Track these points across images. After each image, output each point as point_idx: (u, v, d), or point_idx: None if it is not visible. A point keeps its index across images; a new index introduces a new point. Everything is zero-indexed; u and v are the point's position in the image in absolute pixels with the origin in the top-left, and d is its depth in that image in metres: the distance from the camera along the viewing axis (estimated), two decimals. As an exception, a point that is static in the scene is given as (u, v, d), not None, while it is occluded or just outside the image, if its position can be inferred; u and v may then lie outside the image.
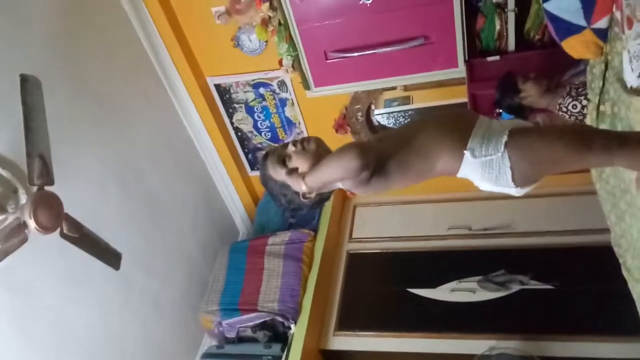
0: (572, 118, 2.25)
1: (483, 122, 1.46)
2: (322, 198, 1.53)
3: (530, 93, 2.37)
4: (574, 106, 2.22)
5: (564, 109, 2.26)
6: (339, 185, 1.46)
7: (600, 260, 2.41)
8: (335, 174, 1.38)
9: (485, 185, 1.48)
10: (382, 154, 1.44)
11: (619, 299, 2.18)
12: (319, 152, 1.46)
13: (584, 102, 2.18)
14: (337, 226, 3.61)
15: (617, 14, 1.78)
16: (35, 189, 1.83)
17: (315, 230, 3.47)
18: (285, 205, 1.54)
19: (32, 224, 1.76)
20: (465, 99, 2.82)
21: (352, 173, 1.35)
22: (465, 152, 1.41)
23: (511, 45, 2.66)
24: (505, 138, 1.38)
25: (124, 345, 2.65)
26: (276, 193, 1.53)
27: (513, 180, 1.40)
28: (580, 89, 2.23)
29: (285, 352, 2.96)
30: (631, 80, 1.70)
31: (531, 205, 3.12)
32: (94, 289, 2.48)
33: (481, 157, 1.39)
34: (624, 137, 1.42)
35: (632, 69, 1.68)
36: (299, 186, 1.42)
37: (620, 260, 2.15)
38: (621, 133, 1.55)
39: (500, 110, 2.50)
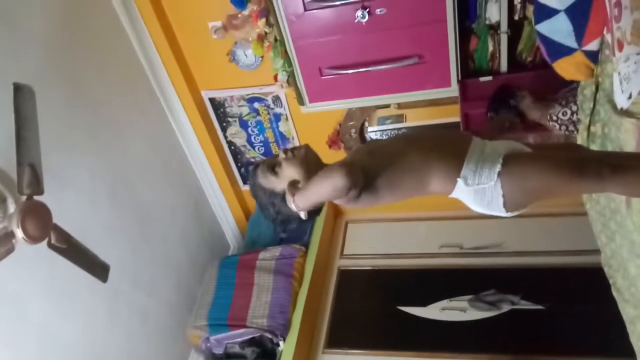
0: (563, 128, 2.27)
1: (476, 146, 1.47)
2: (313, 211, 1.53)
3: (526, 95, 2.41)
4: (564, 113, 2.25)
5: (554, 118, 2.28)
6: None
7: (590, 281, 2.40)
8: (324, 194, 1.39)
9: (477, 208, 1.50)
10: (373, 170, 1.45)
11: (609, 319, 2.18)
12: (307, 158, 1.49)
13: (574, 108, 2.21)
14: (328, 242, 3.59)
15: (608, 37, 1.81)
16: (24, 198, 1.81)
17: (307, 246, 3.45)
18: (274, 215, 1.54)
19: (19, 233, 1.73)
20: (458, 118, 2.85)
21: (340, 193, 1.36)
22: (458, 179, 1.43)
23: (504, 66, 2.69)
24: (498, 167, 1.40)
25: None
26: (265, 203, 1.54)
27: (504, 206, 1.42)
28: (569, 97, 2.25)
29: (273, 370, 2.92)
30: (621, 102, 1.72)
31: (523, 225, 3.12)
32: (80, 301, 2.43)
33: (474, 186, 1.41)
34: (616, 164, 1.42)
35: (622, 91, 1.69)
36: (291, 206, 1.44)
37: (611, 281, 2.15)
38: (613, 159, 1.52)
39: (493, 114, 2.52)
